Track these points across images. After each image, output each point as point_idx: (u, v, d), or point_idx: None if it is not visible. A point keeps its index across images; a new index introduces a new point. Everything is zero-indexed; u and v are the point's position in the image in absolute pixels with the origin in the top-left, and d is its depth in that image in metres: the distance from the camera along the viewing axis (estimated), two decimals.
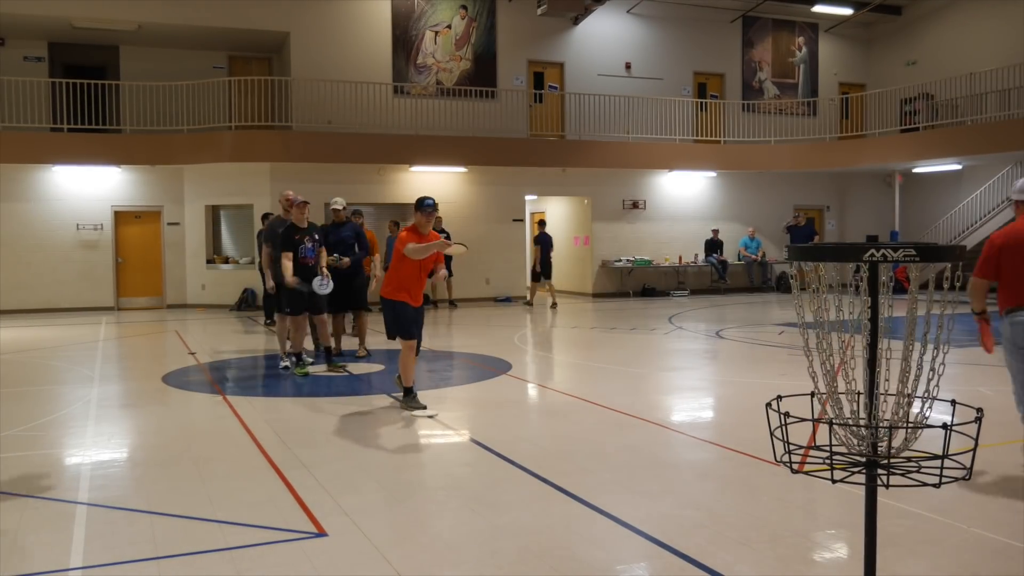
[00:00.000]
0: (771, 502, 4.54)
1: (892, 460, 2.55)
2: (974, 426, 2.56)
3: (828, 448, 2.57)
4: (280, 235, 8.64)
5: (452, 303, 17.63)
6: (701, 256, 20.55)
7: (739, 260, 20.78)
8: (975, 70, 18.74)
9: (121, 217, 17.40)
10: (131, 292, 17.60)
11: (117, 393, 8.03)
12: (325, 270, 8.67)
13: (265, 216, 13.00)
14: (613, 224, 19.96)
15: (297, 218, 8.58)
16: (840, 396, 2.67)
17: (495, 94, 19.06)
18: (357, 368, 9.27)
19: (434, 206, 6.97)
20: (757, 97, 22.08)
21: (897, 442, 2.57)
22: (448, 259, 17.16)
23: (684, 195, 20.74)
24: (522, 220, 19.27)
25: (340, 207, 9.79)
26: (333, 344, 9.43)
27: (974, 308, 5.20)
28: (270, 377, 9.24)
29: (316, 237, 8.68)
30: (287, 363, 9.10)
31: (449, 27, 18.90)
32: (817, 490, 4.63)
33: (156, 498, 4.66)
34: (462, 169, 18.19)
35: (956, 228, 20.83)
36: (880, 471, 2.56)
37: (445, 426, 6.49)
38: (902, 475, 2.58)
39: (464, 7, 19.00)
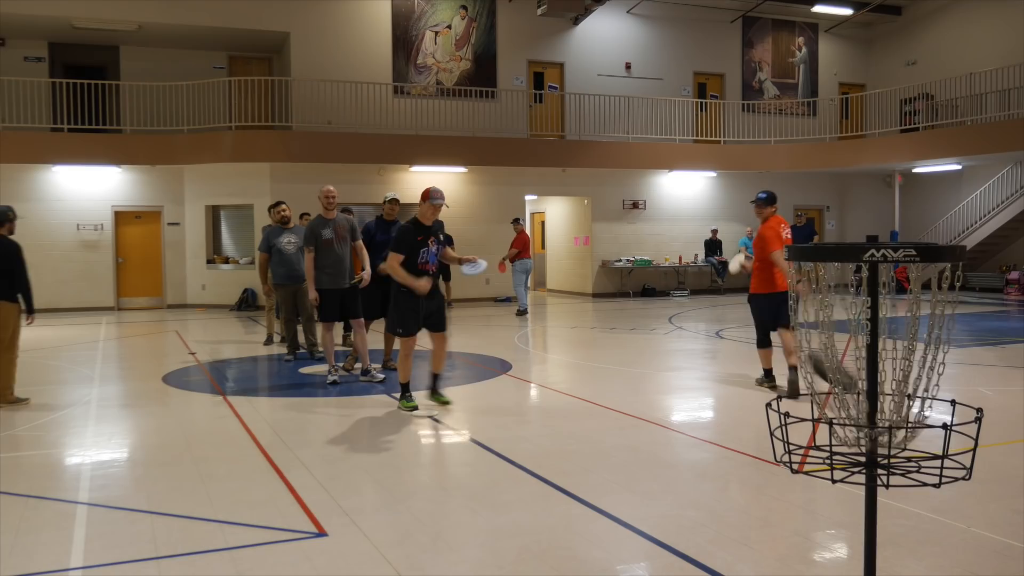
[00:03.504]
0: (771, 502, 4.54)
1: (892, 460, 2.55)
2: (974, 426, 2.56)
3: (828, 448, 2.57)
4: (402, 235, 6.82)
5: (449, 303, 17.63)
6: (701, 256, 20.56)
7: None
8: (975, 70, 18.74)
9: (121, 217, 17.40)
10: (131, 292, 17.61)
11: (117, 393, 8.03)
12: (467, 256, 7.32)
13: (300, 216, 12.23)
14: (613, 224, 19.96)
15: (425, 215, 6.85)
16: (839, 397, 2.67)
17: (495, 94, 19.06)
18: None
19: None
20: (757, 97, 22.09)
21: (897, 440, 2.57)
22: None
23: (684, 195, 20.75)
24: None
25: (398, 199, 8.98)
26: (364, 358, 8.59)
27: None
28: (270, 377, 9.24)
29: (442, 237, 7.02)
30: (335, 377, 8.22)
31: (449, 27, 18.91)
32: (817, 490, 4.63)
33: (156, 498, 4.66)
34: (462, 169, 18.20)
35: (956, 228, 20.84)
36: (880, 471, 2.56)
37: (445, 426, 6.49)
38: (902, 475, 2.58)
39: (464, 7, 19.01)
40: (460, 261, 7.15)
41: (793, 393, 7.13)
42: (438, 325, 6.96)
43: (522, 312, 15.54)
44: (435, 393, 7.11)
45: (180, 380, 8.71)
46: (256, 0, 17.32)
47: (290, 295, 10.01)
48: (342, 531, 4.07)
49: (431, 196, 6.81)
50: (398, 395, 7.22)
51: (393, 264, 6.69)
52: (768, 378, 7.79)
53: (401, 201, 9.24)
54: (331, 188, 8.41)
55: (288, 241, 10.03)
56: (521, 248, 15.61)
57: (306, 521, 4.23)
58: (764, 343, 7.80)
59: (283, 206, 10.43)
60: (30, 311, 7.37)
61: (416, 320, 6.81)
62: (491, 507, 4.45)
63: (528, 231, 20.69)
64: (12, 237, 7.37)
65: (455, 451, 5.84)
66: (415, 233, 6.77)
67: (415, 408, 6.91)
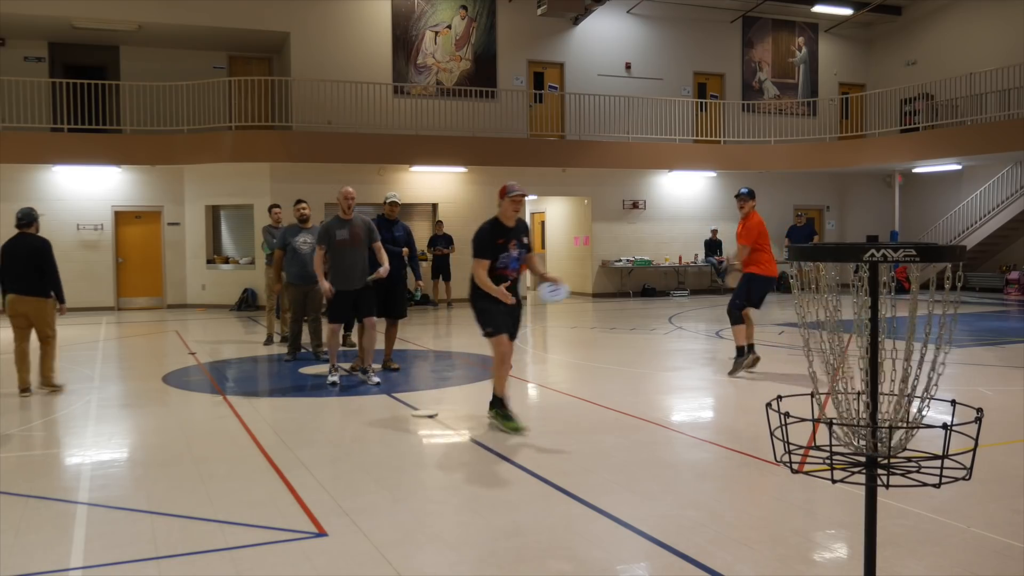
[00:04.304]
0: (771, 502, 4.54)
1: (892, 460, 2.55)
2: (974, 426, 2.56)
3: (828, 448, 2.57)
4: (481, 237, 6.18)
5: (448, 303, 17.64)
6: (701, 256, 20.56)
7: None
8: (975, 70, 18.74)
9: (121, 217, 17.40)
10: (131, 292, 17.61)
11: (117, 393, 8.03)
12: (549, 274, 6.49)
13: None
14: (613, 224, 19.96)
15: (506, 213, 6.18)
16: (840, 396, 2.67)
17: (495, 94, 19.06)
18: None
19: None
20: (757, 97, 22.08)
21: (896, 441, 2.57)
22: (446, 260, 17.31)
23: (684, 195, 20.75)
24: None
25: (398, 200, 8.98)
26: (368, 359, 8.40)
27: None
28: (270, 377, 9.24)
29: (525, 241, 6.33)
30: (335, 378, 8.16)
31: (449, 27, 18.91)
32: (817, 490, 4.63)
33: (156, 498, 4.66)
34: (462, 169, 18.20)
35: (956, 228, 20.84)
36: (880, 471, 2.56)
37: (445, 426, 6.48)
38: (902, 475, 2.58)
39: (464, 7, 19.01)
40: (543, 278, 6.33)
41: (734, 371, 8.43)
42: (514, 332, 6.32)
43: None
44: (497, 412, 6.39)
45: (180, 380, 8.70)
46: (256, 0, 17.32)
47: (301, 295, 9.98)
48: (342, 531, 4.07)
49: (508, 190, 6.09)
50: (399, 395, 7.20)
51: (478, 271, 6.03)
52: (747, 352, 8.43)
53: (401, 202, 9.25)
54: (350, 190, 8.24)
55: (304, 241, 9.97)
56: None
57: (306, 521, 4.23)
58: (738, 320, 8.50)
59: (303, 204, 10.36)
60: (61, 302, 8.00)
61: (505, 318, 6.13)
62: (491, 507, 4.45)
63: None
64: (9, 235, 7.77)
65: (455, 451, 5.83)
66: (494, 235, 6.08)
67: (519, 430, 6.08)
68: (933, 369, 2.54)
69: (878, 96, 20.72)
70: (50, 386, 7.96)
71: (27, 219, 7.92)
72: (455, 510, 4.45)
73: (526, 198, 6.17)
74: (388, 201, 9.07)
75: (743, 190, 8.72)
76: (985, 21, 20.45)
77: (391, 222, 8.99)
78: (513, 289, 6.17)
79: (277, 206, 11.89)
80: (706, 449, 5.69)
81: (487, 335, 6.20)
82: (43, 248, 7.84)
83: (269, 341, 11.50)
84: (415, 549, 3.86)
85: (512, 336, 6.27)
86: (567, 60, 20.09)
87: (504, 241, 6.09)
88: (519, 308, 6.26)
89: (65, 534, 4.07)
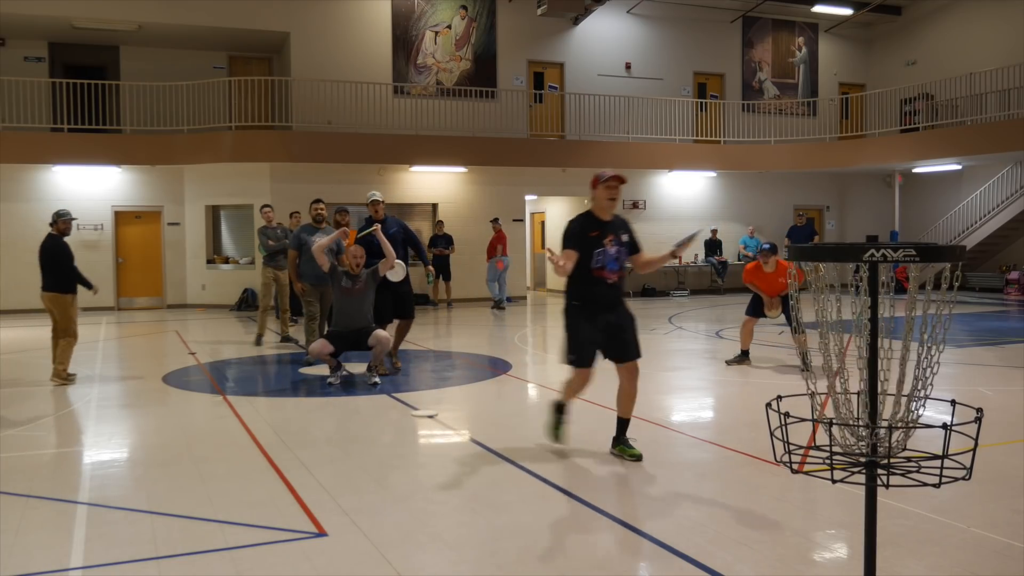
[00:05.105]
0: (771, 502, 4.54)
1: (892, 460, 2.55)
2: (974, 426, 2.56)
3: (828, 448, 2.57)
4: (570, 227, 5.44)
5: (448, 303, 17.65)
6: (701, 256, 20.56)
7: (739, 260, 20.77)
8: (975, 70, 18.74)
9: (121, 217, 17.40)
10: (131, 292, 17.61)
11: (117, 393, 8.03)
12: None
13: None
14: None
15: (601, 204, 5.41)
16: (839, 396, 2.67)
17: (495, 94, 19.06)
18: (356, 370, 9.21)
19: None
20: (757, 97, 22.08)
21: (896, 440, 2.57)
22: (446, 260, 17.31)
23: (684, 195, 20.75)
24: (522, 220, 19.27)
25: (380, 199, 8.86)
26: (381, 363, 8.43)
27: None
28: (270, 377, 9.24)
29: (625, 239, 5.50)
30: (334, 379, 8.18)
31: (449, 27, 18.91)
32: (817, 490, 4.63)
33: (156, 498, 4.66)
34: (462, 169, 18.20)
35: (956, 228, 20.84)
36: (880, 471, 2.56)
37: (445, 426, 6.48)
38: (902, 475, 2.58)
39: (464, 7, 19.01)
40: (674, 255, 5.56)
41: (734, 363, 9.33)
42: (625, 351, 5.35)
43: (498, 306, 16.81)
44: (620, 443, 5.50)
45: (180, 380, 8.70)
46: (256, 0, 17.32)
47: (318, 295, 9.95)
48: (342, 531, 4.07)
49: (601, 177, 5.30)
50: (399, 395, 7.18)
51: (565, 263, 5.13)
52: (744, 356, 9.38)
53: (384, 200, 9.05)
54: (362, 249, 8.22)
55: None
56: (501, 245, 17.21)
57: (306, 521, 4.23)
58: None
59: (320, 204, 10.29)
60: (88, 287, 8.74)
61: (593, 346, 5.32)
62: (491, 507, 4.45)
63: (528, 231, 20.80)
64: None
65: (455, 451, 5.83)
66: (585, 227, 5.25)
67: (559, 437, 5.62)
68: (929, 367, 2.54)
69: (878, 96, 20.72)
70: (63, 380, 8.31)
71: (51, 219, 8.68)
72: (455, 510, 4.45)
73: (622, 186, 5.31)
74: (370, 201, 8.82)
75: (766, 246, 9.30)
76: (985, 21, 20.45)
77: (381, 222, 8.83)
78: (616, 296, 5.32)
79: (268, 206, 11.96)
80: (706, 449, 5.70)
81: (568, 363, 5.40)
82: (47, 248, 8.49)
83: (259, 342, 11.46)
84: (415, 549, 3.86)
85: (630, 355, 5.39)
86: (567, 60, 20.09)
87: (598, 234, 5.21)
88: (626, 322, 5.36)
89: (65, 534, 4.07)
